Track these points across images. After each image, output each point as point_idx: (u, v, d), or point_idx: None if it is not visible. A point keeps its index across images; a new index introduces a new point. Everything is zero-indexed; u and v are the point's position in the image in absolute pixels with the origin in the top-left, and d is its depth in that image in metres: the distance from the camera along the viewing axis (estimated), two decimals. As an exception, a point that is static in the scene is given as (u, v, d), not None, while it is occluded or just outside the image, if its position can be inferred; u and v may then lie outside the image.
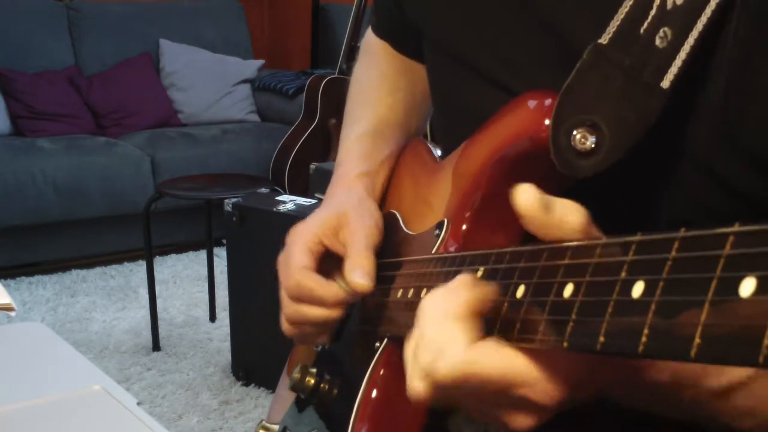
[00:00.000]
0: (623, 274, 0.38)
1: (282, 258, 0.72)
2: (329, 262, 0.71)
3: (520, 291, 0.46)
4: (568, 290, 0.42)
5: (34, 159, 3.34)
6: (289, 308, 0.71)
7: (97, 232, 3.50)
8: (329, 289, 0.68)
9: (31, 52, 3.83)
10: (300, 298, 0.69)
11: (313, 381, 0.71)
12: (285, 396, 0.81)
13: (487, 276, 0.51)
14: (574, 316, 0.41)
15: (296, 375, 0.72)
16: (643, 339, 0.36)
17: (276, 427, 0.78)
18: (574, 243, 0.44)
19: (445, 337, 0.46)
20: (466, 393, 0.47)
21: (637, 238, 0.39)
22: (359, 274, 0.66)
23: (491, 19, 0.64)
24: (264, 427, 0.79)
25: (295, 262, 0.69)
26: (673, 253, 0.36)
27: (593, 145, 0.52)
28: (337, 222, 0.71)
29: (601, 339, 0.38)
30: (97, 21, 4.07)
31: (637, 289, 0.37)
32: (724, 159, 0.53)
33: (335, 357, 0.75)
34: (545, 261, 0.45)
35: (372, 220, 0.71)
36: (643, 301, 0.36)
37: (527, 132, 0.56)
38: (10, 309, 0.92)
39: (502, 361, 0.44)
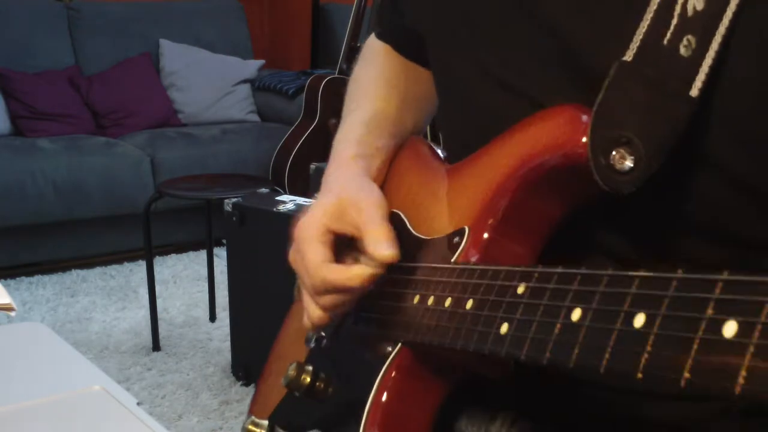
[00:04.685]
0: (709, 312, 0.38)
1: (295, 256, 0.71)
2: (341, 246, 0.71)
3: (576, 314, 0.46)
4: (639, 320, 0.41)
5: (34, 159, 3.33)
6: (322, 301, 0.69)
7: (97, 232, 3.50)
8: (356, 273, 0.66)
9: (31, 52, 3.83)
10: (330, 291, 0.68)
11: (309, 379, 0.71)
12: (272, 391, 0.80)
13: (531, 294, 0.51)
14: (649, 348, 0.40)
15: (292, 372, 0.71)
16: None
17: (265, 422, 0.77)
18: (642, 273, 0.43)
19: None
20: None
21: (724, 276, 0.38)
22: (384, 245, 0.66)
23: (491, 23, 0.64)
24: (253, 423, 0.78)
25: (314, 258, 0.69)
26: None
27: (631, 165, 0.52)
28: (338, 206, 0.70)
29: (686, 375, 0.37)
30: (97, 21, 4.06)
31: (729, 330, 0.36)
32: (749, 163, 0.53)
33: (333, 356, 0.75)
34: (607, 287, 0.45)
35: (378, 193, 0.71)
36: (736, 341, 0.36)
37: (563, 147, 0.56)
38: (10, 309, 0.92)
39: None
